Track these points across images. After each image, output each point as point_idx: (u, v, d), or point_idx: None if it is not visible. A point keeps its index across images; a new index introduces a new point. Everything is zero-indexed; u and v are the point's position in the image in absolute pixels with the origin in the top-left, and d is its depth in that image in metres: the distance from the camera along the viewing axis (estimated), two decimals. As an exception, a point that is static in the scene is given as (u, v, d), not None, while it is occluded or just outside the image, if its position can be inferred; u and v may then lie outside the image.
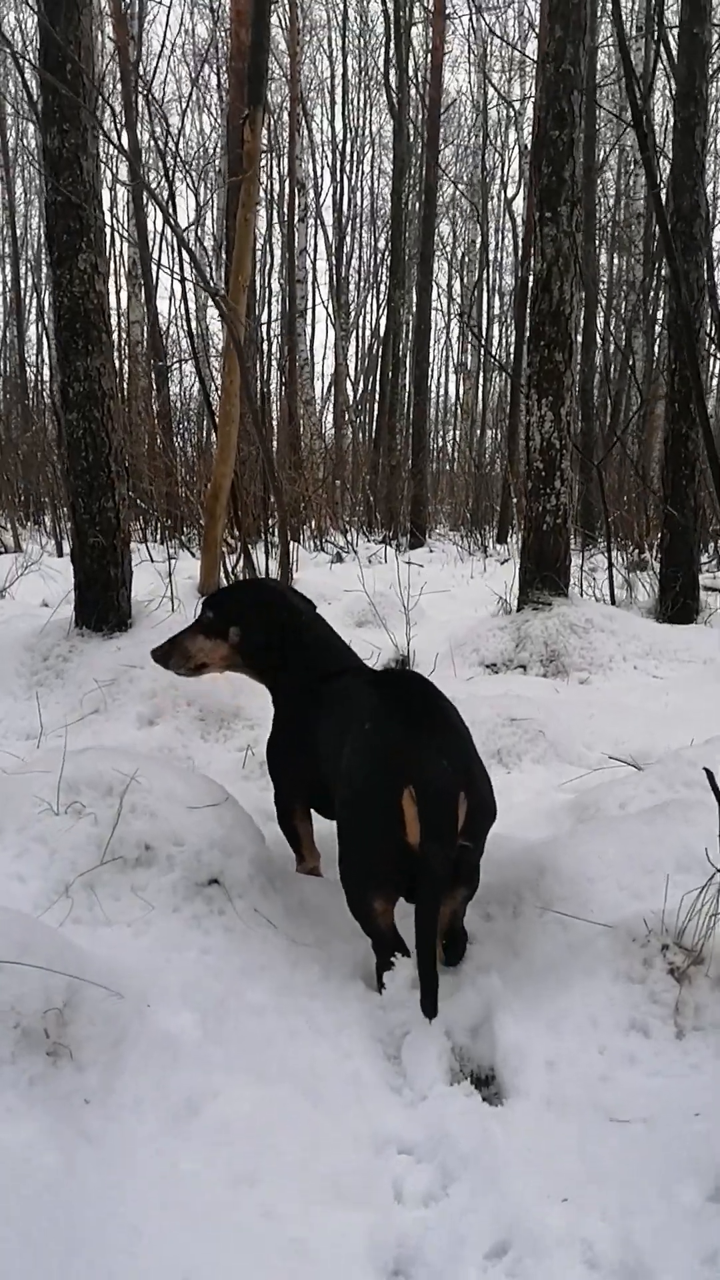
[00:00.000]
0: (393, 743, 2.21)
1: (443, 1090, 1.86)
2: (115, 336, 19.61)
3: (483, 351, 22.96)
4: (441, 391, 31.02)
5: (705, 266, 6.72)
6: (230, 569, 7.68)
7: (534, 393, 5.95)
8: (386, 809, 2.06)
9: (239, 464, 7.77)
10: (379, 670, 3.28)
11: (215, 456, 7.48)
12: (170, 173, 7.69)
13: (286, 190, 17.46)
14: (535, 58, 17.46)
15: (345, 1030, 2.01)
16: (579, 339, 15.28)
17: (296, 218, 15.97)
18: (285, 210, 17.94)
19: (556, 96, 5.53)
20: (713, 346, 6.99)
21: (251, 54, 7.08)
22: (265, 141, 22.03)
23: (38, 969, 1.70)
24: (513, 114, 21.29)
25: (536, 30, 15.80)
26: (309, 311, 24.73)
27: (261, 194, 23.28)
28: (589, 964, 2.15)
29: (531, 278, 5.90)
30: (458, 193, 24.58)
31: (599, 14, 16.04)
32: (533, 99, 16.64)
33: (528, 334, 5.96)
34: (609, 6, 14.62)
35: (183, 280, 7.52)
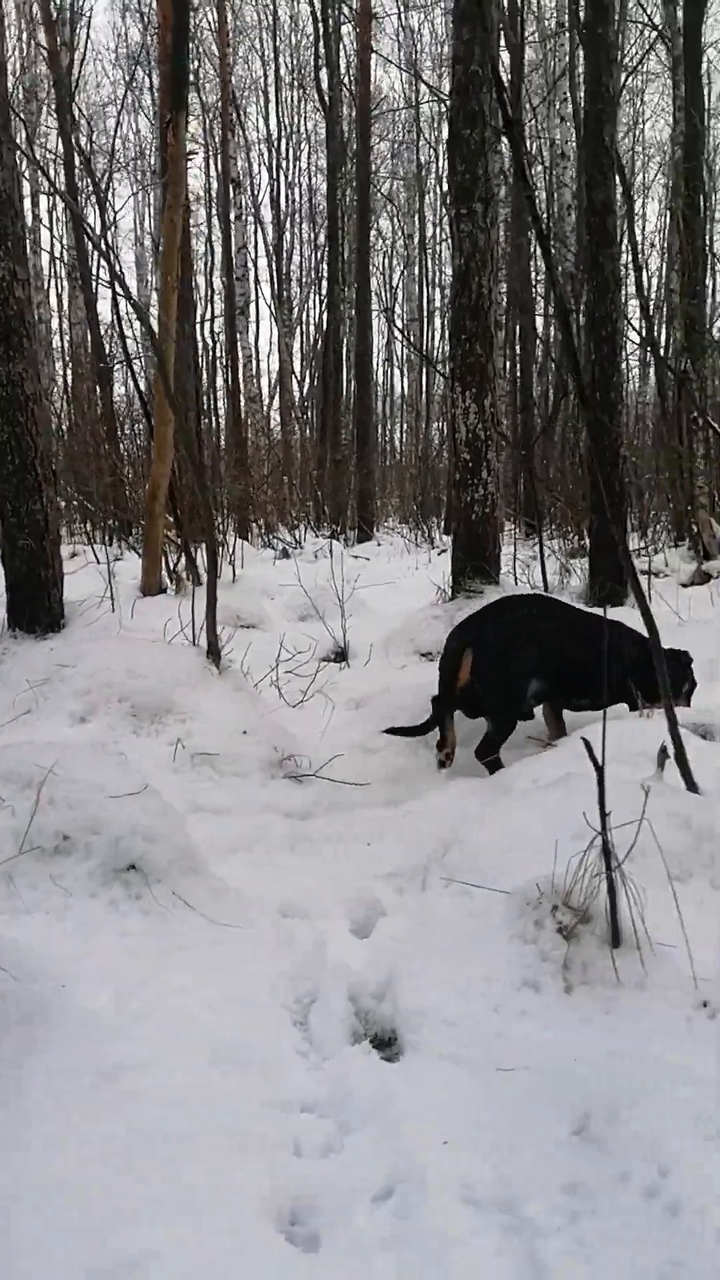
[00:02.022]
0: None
1: (346, 1052, 1.98)
2: (58, 338, 19.51)
3: (418, 346, 23.09)
4: (388, 385, 31.19)
5: (631, 256, 6.89)
6: (172, 568, 7.72)
7: (458, 385, 6.08)
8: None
9: (183, 463, 7.81)
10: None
11: (153, 456, 7.54)
12: (98, 178, 7.69)
13: (220, 189, 17.47)
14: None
15: (258, 1002, 2.12)
16: (501, 333, 15.52)
17: (233, 215, 15.98)
18: (220, 208, 17.95)
19: (467, 96, 5.65)
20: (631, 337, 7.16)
21: (172, 59, 7.13)
22: (201, 141, 21.98)
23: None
24: (445, 110, 21.40)
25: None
26: (251, 308, 24.73)
27: (200, 192, 23.24)
28: (488, 929, 2.28)
29: (452, 273, 6.02)
30: (394, 188, 24.69)
31: (522, 10, 16.24)
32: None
33: (449, 328, 6.09)
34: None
35: (110, 284, 7.54)
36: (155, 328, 5.85)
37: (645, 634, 3.42)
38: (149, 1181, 1.58)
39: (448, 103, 5.79)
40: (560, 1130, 1.61)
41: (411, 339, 24.51)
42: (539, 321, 18.46)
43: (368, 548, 15.47)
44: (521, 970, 2.15)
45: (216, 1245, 1.46)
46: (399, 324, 23.58)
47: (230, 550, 11.61)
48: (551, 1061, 1.85)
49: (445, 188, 25.11)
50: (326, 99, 17.13)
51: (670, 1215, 1.38)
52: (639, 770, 3.06)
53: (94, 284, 15.01)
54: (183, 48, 7.15)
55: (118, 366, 15.63)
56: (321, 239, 23.87)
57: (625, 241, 7.81)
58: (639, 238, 24.57)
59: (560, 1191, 1.48)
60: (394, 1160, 1.64)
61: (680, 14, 9.98)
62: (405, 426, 27.65)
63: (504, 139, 7.28)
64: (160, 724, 3.95)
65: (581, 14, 7.97)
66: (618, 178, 6.89)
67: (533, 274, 19.51)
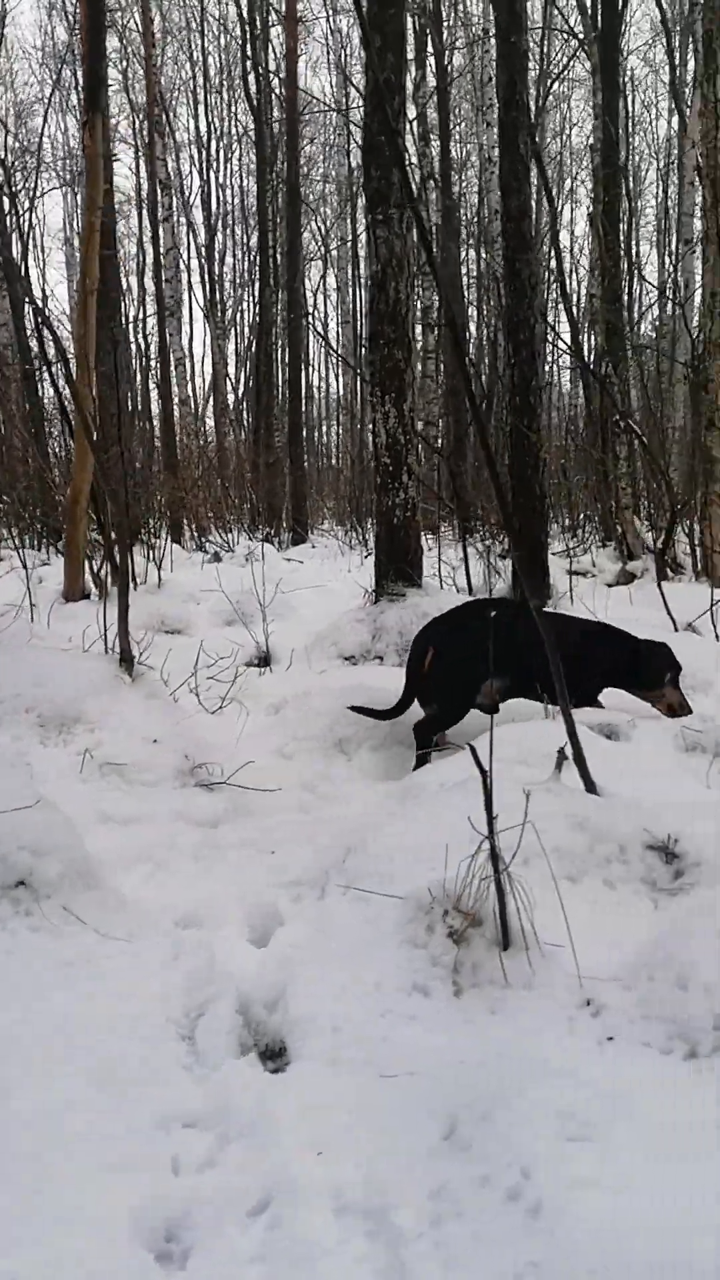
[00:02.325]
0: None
1: (232, 1064, 1.97)
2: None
3: (341, 350, 23.14)
4: (324, 387, 31.20)
5: (555, 261, 6.97)
6: (96, 573, 7.63)
7: (378, 390, 6.10)
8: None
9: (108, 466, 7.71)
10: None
11: (74, 461, 7.45)
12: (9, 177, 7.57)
13: (149, 190, 17.31)
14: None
15: (145, 1017, 2.10)
16: (434, 334, 15.63)
17: (160, 216, 15.85)
18: (150, 209, 17.79)
19: (379, 104, 5.68)
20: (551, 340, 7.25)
21: (88, 61, 7.05)
22: (131, 142, 21.76)
23: None
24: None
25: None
26: (184, 310, 24.55)
27: (130, 193, 23.01)
28: (381, 934, 2.29)
29: (369, 279, 6.04)
30: (325, 191, 24.73)
31: (453, 13, 16.38)
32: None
33: (367, 333, 6.11)
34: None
35: (12, 287, 7.42)
36: (71, 330, 5.74)
37: (621, 633, 4.26)
38: (14, 1205, 1.55)
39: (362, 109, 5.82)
40: (432, 1135, 1.62)
41: (340, 343, 24.55)
42: (471, 325, 18.64)
43: (302, 550, 15.45)
44: (411, 975, 2.16)
45: (82, 1267, 1.45)
46: (318, 328, 23.57)
47: (160, 553, 11.53)
48: (433, 1066, 1.87)
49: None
50: (255, 101, 17.07)
51: (530, 1217, 1.40)
52: (543, 772, 3.10)
53: (18, 285, 14.77)
54: (99, 49, 7.08)
55: (42, 368, 15.42)
56: (254, 241, 23.82)
57: (550, 247, 7.95)
58: (571, 243, 24.95)
59: (427, 1196, 1.49)
60: (270, 1172, 1.63)
61: (599, 21, 10.12)
62: (341, 428, 27.69)
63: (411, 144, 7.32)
64: (69, 734, 3.89)
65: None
66: (541, 183, 7.01)
67: (464, 278, 19.70)
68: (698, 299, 9.46)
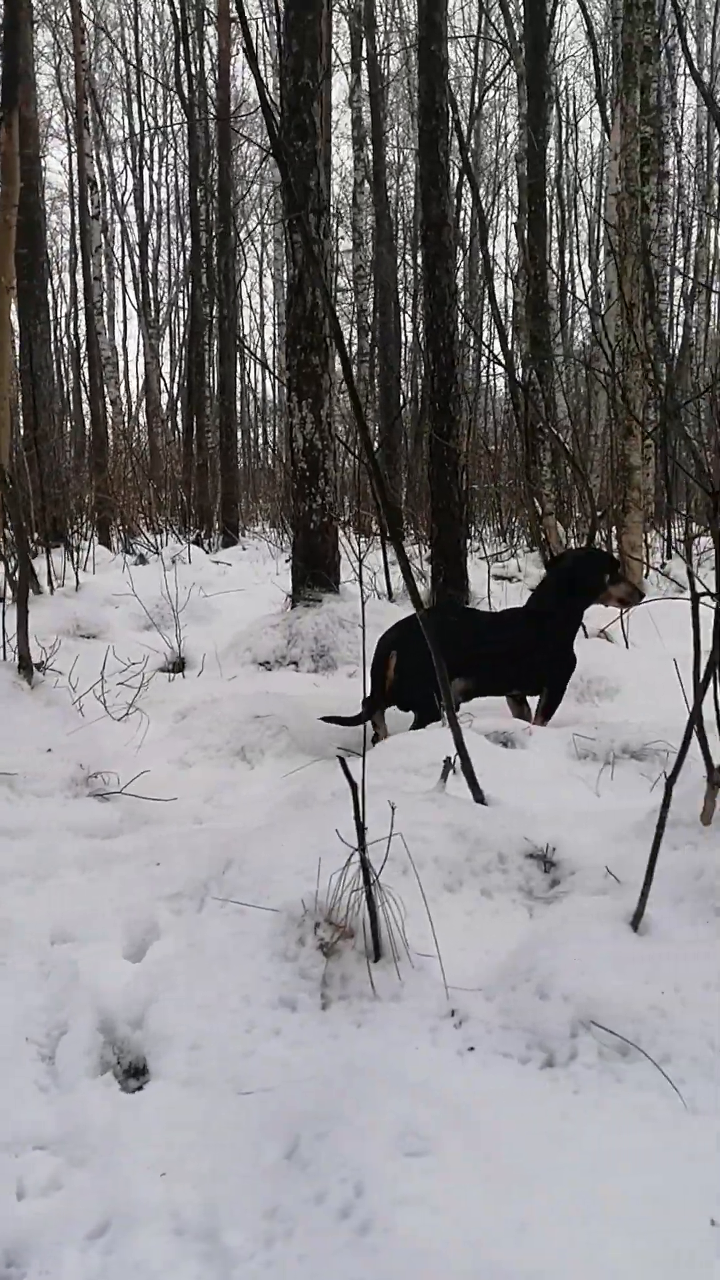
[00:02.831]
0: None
1: (88, 1084, 1.94)
2: None
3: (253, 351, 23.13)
4: (260, 388, 31.08)
5: (484, 269, 7.02)
6: (11, 575, 7.49)
7: (295, 395, 6.10)
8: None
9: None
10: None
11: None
12: None
13: (80, 187, 17.08)
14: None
15: (3, 1039, 2.06)
16: (369, 337, 15.69)
17: (90, 214, 15.65)
18: (79, 206, 17.57)
19: (296, 108, 5.68)
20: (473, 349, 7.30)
21: (4, 56, 6.94)
22: (63, 137, 21.44)
23: None
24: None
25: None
26: (118, 309, 24.30)
27: (63, 189, 22.66)
28: (253, 947, 2.28)
29: (287, 283, 6.03)
30: (262, 190, 24.65)
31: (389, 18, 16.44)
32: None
33: (285, 338, 6.10)
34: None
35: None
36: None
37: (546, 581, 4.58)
38: None
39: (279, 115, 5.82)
40: (274, 1153, 1.62)
41: (276, 345, 24.48)
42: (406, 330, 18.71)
43: (232, 553, 15.37)
44: (280, 988, 2.16)
45: None
46: (232, 329, 23.46)
47: (84, 555, 11.38)
48: (290, 1081, 1.86)
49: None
50: (188, 100, 16.95)
51: (358, 1235, 1.40)
52: (432, 780, 3.12)
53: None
54: (13, 44, 6.97)
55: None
56: (189, 240, 23.64)
57: (480, 253, 7.97)
58: (506, 249, 25.18)
59: (261, 1216, 1.49)
60: (113, 1195, 1.61)
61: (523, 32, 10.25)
62: (276, 429, 27.61)
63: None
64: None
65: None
66: (471, 190, 7.06)
67: (401, 276, 19.77)
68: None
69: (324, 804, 3.12)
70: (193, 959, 2.35)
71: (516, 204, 18.84)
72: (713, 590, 1.87)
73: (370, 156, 16.35)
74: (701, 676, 1.97)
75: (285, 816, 3.14)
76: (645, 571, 7.54)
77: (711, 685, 1.99)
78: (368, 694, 4.17)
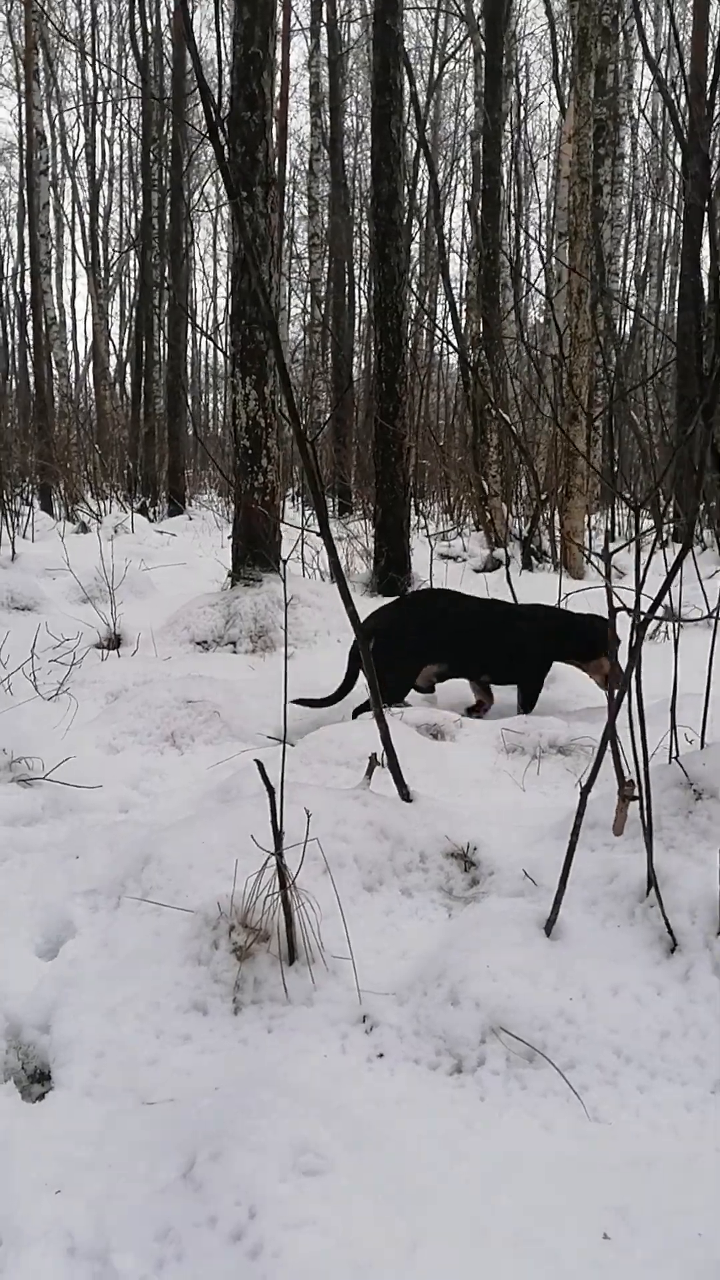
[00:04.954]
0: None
1: (-10, 1092, 1.91)
2: None
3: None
4: (211, 354, 30.64)
5: (438, 247, 6.94)
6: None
7: (239, 372, 6.00)
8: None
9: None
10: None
11: None
12: None
13: (26, 140, 16.56)
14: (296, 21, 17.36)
15: None
16: (308, 311, 15.50)
17: (37, 170, 15.20)
18: (26, 160, 17.06)
19: (246, 78, 5.54)
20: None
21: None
22: (15, 86, 20.71)
23: None
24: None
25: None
26: (66, 267, 23.72)
27: (9, 140, 21.94)
28: (167, 949, 2.26)
29: (232, 257, 5.90)
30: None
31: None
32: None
33: (230, 314, 5.98)
34: None
35: None
36: None
37: (557, 610, 4.78)
38: None
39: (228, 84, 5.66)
40: (171, 1170, 1.60)
41: (190, 318, 24.09)
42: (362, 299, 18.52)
43: (177, 522, 15.18)
44: (192, 992, 2.14)
45: None
46: (176, 299, 23.09)
47: (23, 521, 11.14)
48: (195, 1091, 1.85)
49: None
50: (142, 57, 16.50)
51: (249, 1259, 1.40)
52: (362, 773, 3.11)
53: None
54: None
55: None
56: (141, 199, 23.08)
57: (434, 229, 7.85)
58: (463, 225, 24.98)
59: (153, 1238, 1.47)
60: (6, 1212, 1.59)
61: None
62: (224, 398, 27.25)
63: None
64: None
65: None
66: (427, 165, 6.94)
67: (356, 245, 19.52)
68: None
69: (250, 798, 3.08)
70: (106, 960, 2.33)
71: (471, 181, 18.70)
72: (629, 606, 1.87)
73: (328, 123, 16.08)
74: (615, 692, 1.97)
75: (210, 810, 3.11)
76: (586, 557, 7.59)
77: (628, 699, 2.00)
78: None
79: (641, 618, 1.76)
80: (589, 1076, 1.93)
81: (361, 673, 4.37)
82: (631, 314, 15.09)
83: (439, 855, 2.68)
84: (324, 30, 15.55)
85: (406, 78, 13.42)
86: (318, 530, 2.67)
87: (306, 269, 17.71)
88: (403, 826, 2.74)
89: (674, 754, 2.65)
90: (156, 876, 2.54)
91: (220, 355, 30.04)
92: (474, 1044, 1.99)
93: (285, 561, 3.47)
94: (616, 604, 1.87)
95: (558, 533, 8.24)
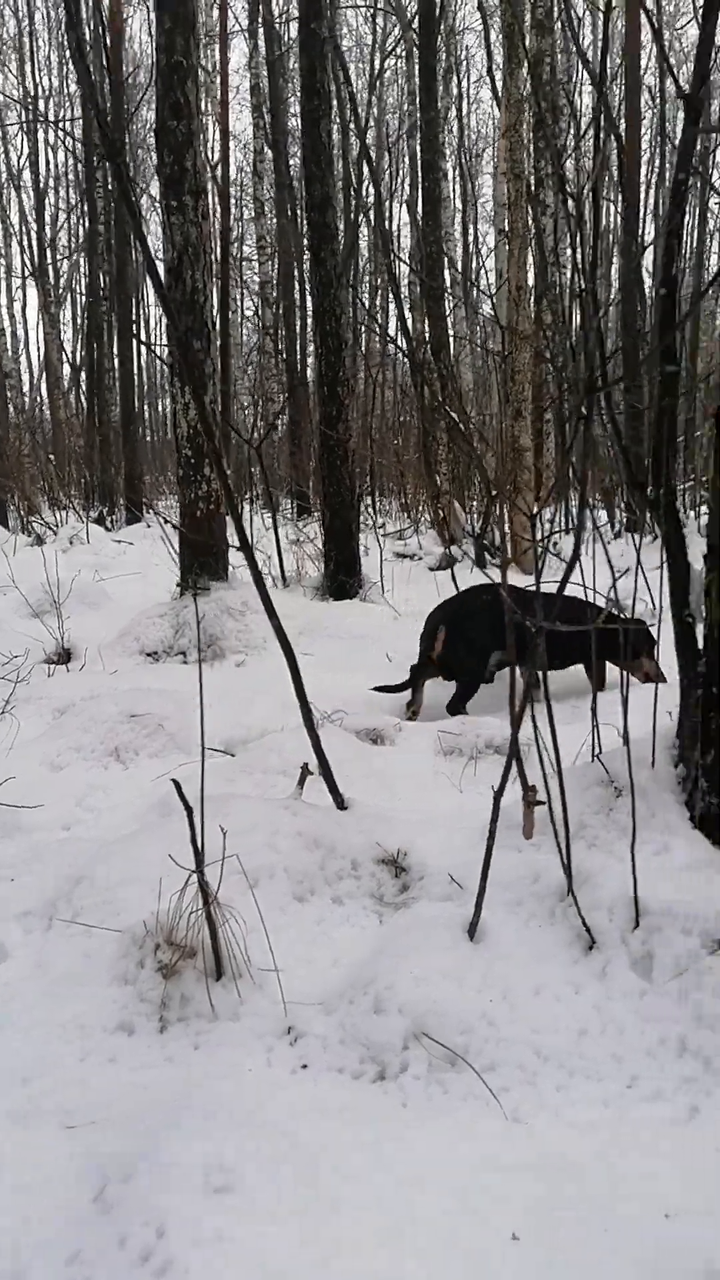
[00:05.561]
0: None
1: None
2: None
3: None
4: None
5: (383, 248, 6.95)
6: None
7: (178, 381, 5.99)
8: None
9: None
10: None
11: None
12: None
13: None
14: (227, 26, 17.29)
15: None
16: (258, 315, 15.47)
17: (-22, 179, 15.05)
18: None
19: (170, 87, 5.53)
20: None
21: None
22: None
23: None
24: (205, 79, 20.92)
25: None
26: (10, 274, 23.50)
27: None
28: (94, 971, 2.27)
29: (163, 267, 5.89)
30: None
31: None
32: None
33: (166, 323, 5.96)
34: None
35: None
36: None
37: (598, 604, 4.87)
38: None
39: (206, 71, 5.64)
40: (86, 1193, 1.62)
41: (133, 322, 23.93)
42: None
43: (135, 530, 15.07)
44: (118, 1012, 2.15)
45: None
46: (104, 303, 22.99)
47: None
48: (118, 1113, 1.86)
49: (214, 155, 24.59)
50: (78, 63, 16.33)
51: (157, 1278, 1.42)
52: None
53: None
54: None
55: None
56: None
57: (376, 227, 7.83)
58: (413, 221, 25.00)
59: (64, 1262, 1.49)
60: None
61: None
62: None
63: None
64: None
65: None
66: (366, 168, 6.94)
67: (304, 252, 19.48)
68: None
69: (183, 815, 3.10)
70: (38, 981, 2.33)
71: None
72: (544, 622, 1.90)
73: (268, 124, 16.04)
74: (518, 706, 2.00)
75: (150, 824, 3.12)
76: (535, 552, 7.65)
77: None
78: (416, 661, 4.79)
79: (534, 627, 1.79)
80: (509, 1078, 1.96)
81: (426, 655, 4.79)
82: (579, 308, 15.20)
83: (371, 862, 2.71)
84: (262, 31, 15.51)
85: (343, 77, 13.45)
86: (237, 545, 2.68)
87: (256, 271, 17.68)
88: (336, 834, 2.76)
89: (596, 752, 2.70)
90: (89, 896, 2.55)
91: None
92: (397, 1050, 2.02)
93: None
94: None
95: (506, 529, 8.29)
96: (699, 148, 8.33)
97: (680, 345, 9.53)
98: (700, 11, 2.51)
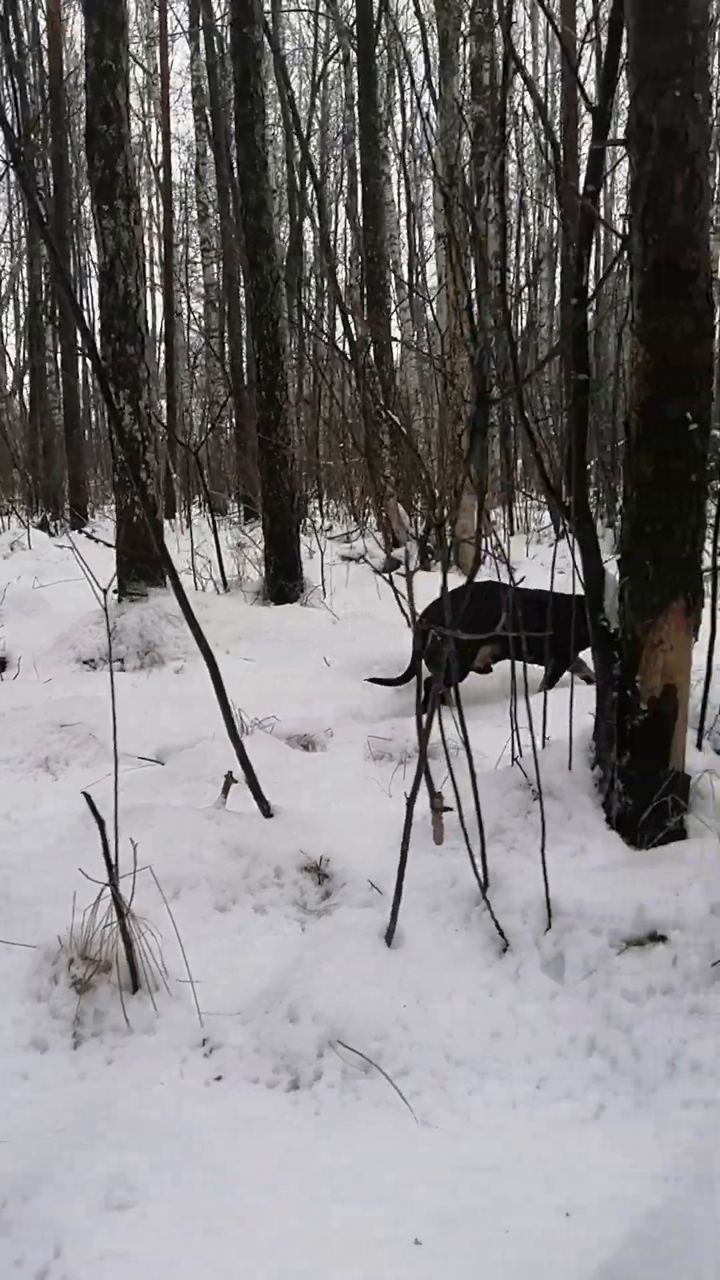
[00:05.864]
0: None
1: None
2: None
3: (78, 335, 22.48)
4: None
5: (323, 251, 6.95)
6: None
7: (111, 386, 5.94)
8: None
9: None
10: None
11: None
12: None
13: None
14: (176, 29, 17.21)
15: None
16: (149, 331, 15.44)
17: None
18: None
19: (100, 91, 5.49)
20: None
21: None
22: None
23: None
24: (147, 81, 20.82)
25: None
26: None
27: None
28: (8, 988, 2.24)
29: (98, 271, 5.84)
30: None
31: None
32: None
33: (100, 327, 5.92)
34: None
35: None
36: None
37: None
38: None
39: (149, 73, 5.60)
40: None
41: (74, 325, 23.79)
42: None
43: (80, 535, 14.95)
44: (32, 1029, 2.13)
45: None
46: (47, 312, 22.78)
47: None
48: (25, 1132, 1.84)
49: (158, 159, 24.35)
50: (16, 61, 16.18)
51: (52, 1298, 1.41)
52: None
53: None
54: None
55: None
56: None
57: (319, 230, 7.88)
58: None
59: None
60: None
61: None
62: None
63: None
64: None
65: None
66: (304, 167, 6.92)
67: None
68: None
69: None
70: (-50, 1002, 2.30)
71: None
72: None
73: (210, 126, 15.99)
74: (426, 715, 2.02)
75: (76, 835, 3.09)
76: (476, 555, 7.71)
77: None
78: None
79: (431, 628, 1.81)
80: (421, 1082, 1.98)
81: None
82: (525, 308, 15.34)
83: (294, 870, 2.71)
84: (203, 34, 15.46)
85: (283, 81, 13.45)
86: (153, 556, 2.67)
87: (200, 274, 17.62)
88: (260, 843, 2.76)
89: (515, 756, 2.73)
90: (9, 911, 2.51)
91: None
92: (312, 1059, 2.03)
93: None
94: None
95: (447, 531, 8.34)
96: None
97: (618, 348, 9.61)
98: (608, 27, 2.56)
